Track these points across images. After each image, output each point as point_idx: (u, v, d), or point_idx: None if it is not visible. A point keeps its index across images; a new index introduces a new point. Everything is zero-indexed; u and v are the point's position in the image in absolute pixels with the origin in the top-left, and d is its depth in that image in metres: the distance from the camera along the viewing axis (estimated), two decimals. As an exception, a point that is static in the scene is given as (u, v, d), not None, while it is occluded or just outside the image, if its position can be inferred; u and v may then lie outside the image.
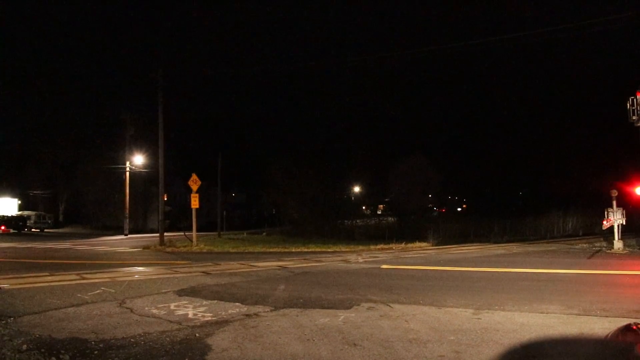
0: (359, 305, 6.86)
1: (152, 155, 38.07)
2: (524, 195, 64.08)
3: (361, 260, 14.38)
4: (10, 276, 10.34)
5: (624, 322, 3.20)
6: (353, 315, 6.20)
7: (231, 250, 20.54)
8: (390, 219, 43.18)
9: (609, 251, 16.30)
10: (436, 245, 22.09)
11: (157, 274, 10.95)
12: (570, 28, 18.34)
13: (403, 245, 21.30)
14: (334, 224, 35.71)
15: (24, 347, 4.75)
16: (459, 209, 66.25)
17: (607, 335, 2.94)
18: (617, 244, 16.46)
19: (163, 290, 8.26)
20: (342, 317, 6.08)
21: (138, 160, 41.79)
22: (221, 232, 36.92)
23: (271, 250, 19.95)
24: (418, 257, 15.58)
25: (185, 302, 7.20)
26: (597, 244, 19.25)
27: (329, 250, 19.82)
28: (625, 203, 17.61)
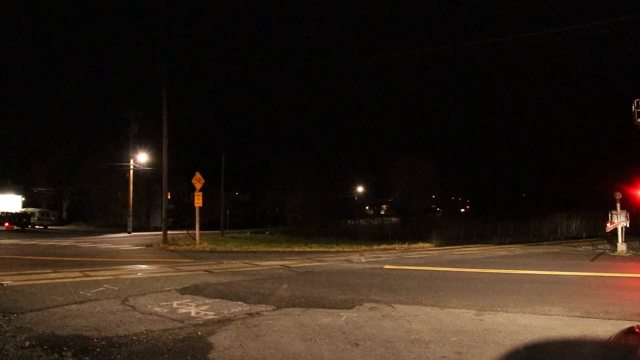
0: (361, 305, 6.86)
1: (156, 153, 38.09)
2: (527, 196, 63.83)
3: (364, 260, 14.38)
4: (14, 273, 10.39)
5: (627, 324, 3.20)
6: (355, 315, 6.21)
7: (234, 249, 20.55)
8: (393, 219, 43.07)
9: (612, 254, 16.24)
10: (439, 246, 22.05)
11: (160, 272, 10.98)
12: (575, 29, 18.26)
13: (406, 245, 21.27)
14: (337, 224, 35.66)
15: (27, 343, 4.77)
16: (462, 210, 66.12)
17: (610, 338, 2.93)
18: (621, 246, 16.39)
19: (166, 288, 8.28)
20: (344, 317, 6.08)
21: (142, 158, 41.82)
22: (224, 231, 36.93)
23: (274, 249, 19.96)
24: (421, 258, 15.57)
25: (187, 300, 7.22)
26: (601, 247, 19.18)
27: (332, 250, 19.81)
28: (629, 206, 17.55)
